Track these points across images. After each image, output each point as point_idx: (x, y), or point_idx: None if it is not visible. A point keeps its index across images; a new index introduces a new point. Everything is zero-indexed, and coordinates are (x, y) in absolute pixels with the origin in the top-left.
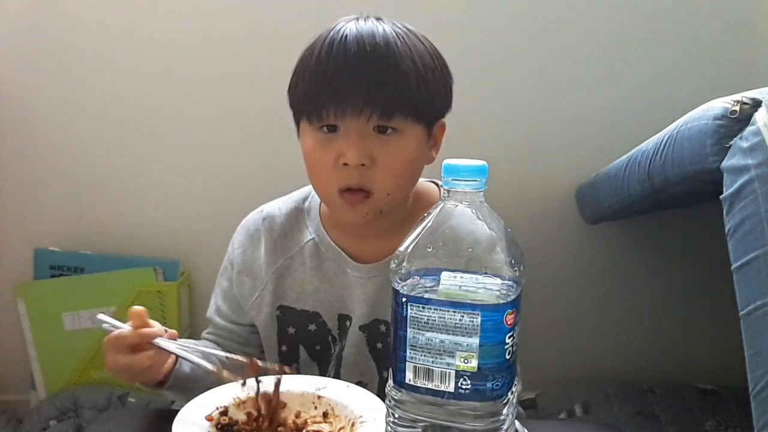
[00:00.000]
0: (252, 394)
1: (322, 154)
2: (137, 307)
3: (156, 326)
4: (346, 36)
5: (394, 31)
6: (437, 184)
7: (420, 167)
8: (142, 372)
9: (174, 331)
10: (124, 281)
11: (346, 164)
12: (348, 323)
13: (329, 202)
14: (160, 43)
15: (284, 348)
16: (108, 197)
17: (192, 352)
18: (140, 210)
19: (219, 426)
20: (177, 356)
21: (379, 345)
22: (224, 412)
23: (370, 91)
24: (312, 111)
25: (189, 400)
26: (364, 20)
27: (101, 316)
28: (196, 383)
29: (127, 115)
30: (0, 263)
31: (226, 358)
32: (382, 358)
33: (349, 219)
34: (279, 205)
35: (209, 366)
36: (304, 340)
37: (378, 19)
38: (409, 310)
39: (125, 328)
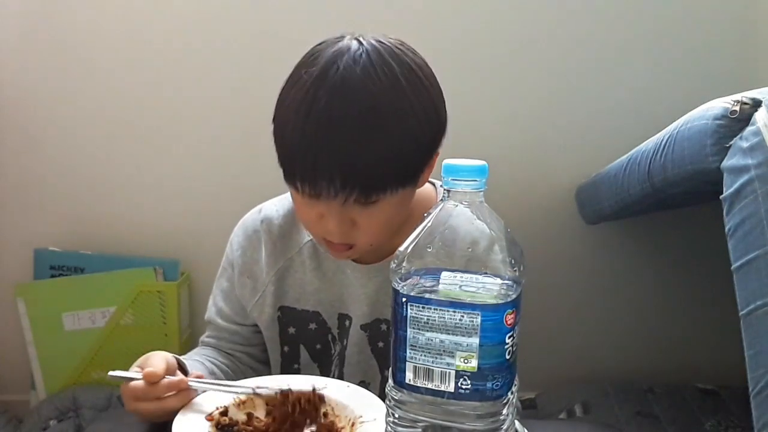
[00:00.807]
0: (251, 394)
1: (305, 210)
2: (150, 370)
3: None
4: (322, 107)
5: (381, 82)
6: (433, 183)
7: (406, 211)
8: (170, 412)
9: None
10: (124, 281)
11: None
12: (348, 323)
13: (315, 240)
14: (161, 44)
15: (286, 348)
16: (108, 197)
17: (222, 384)
18: (140, 210)
19: (219, 426)
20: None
21: (381, 344)
22: (224, 412)
23: (343, 179)
24: (289, 181)
25: None
26: (350, 58)
27: (113, 374)
28: None
29: (127, 115)
30: (0, 263)
31: (254, 389)
32: (383, 357)
33: (334, 258)
34: (276, 207)
35: (242, 395)
36: (304, 339)
37: (363, 53)
38: (409, 310)
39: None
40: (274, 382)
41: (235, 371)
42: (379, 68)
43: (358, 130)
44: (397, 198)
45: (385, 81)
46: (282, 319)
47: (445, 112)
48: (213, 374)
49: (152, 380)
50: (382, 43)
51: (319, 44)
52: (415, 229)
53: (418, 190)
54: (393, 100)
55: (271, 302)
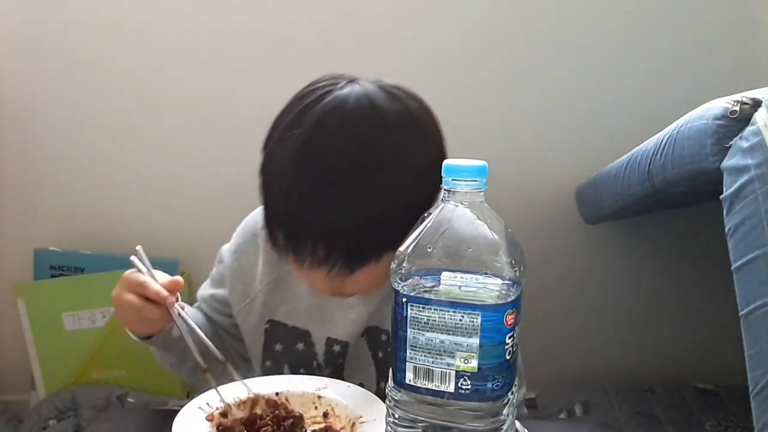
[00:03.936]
0: (252, 395)
1: (292, 260)
2: (179, 279)
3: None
4: (307, 178)
5: (370, 149)
6: None
7: None
8: (144, 320)
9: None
10: None
11: None
12: (336, 348)
13: None
14: (161, 44)
15: (268, 363)
16: (108, 197)
17: (197, 339)
18: (140, 210)
19: (219, 427)
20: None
21: (381, 354)
22: (224, 413)
23: (326, 252)
24: (272, 241)
25: (165, 360)
26: (340, 120)
27: (136, 257)
28: (177, 350)
29: (128, 115)
30: (0, 263)
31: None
32: (382, 369)
33: None
34: None
35: (201, 362)
36: (289, 359)
37: (355, 110)
38: (409, 311)
39: (153, 274)
40: (272, 383)
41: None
42: (367, 135)
43: (343, 206)
44: (386, 259)
45: (373, 152)
46: (270, 332)
47: (443, 158)
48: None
49: (173, 288)
50: (375, 95)
51: (309, 91)
52: (415, 228)
53: None
54: (380, 173)
55: (259, 312)
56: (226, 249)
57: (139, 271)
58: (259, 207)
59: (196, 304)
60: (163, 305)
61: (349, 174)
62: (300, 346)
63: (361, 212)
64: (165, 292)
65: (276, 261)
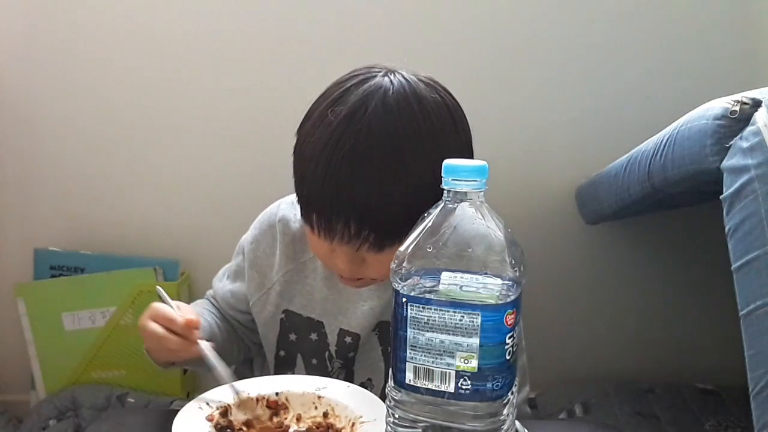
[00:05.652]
0: (252, 395)
1: (317, 242)
2: (195, 320)
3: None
4: (346, 154)
5: (408, 132)
6: None
7: None
8: (165, 349)
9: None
10: (124, 281)
11: None
12: (347, 339)
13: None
14: (161, 43)
15: (282, 353)
16: (108, 197)
17: (223, 368)
18: (140, 210)
19: (219, 426)
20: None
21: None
22: (224, 413)
23: (358, 228)
24: (305, 218)
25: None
26: (379, 102)
27: (161, 290)
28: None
29: (128, 114)
30: (0, 263)
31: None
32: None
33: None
34: (294, 210)
35: (229, 389)
36: (303, 349)
37: (393, 96)
38: (409, 311)
39: (176, 312)
40: (272, 383)
41: (232, 342)
42: (407, 116)
43: (379, 182)
44: None
45: (412, 131)
46: (285, 322)
47: (471, 151)
48: (213, 335)
49: (190, 325)
50: (414, 83)
51: (350, 77)
52: (415, 228)
53: None
54: (418, 153)
55: (275, 302)
56: (245, 240)
57: (164, 302)
58: (277, 201)
59: (210, 293)
60: (184, 338)
61: (388, 151)
62: (313, 336)
63: (397, 189)
64: (190, 330)
65: (293, 252)
